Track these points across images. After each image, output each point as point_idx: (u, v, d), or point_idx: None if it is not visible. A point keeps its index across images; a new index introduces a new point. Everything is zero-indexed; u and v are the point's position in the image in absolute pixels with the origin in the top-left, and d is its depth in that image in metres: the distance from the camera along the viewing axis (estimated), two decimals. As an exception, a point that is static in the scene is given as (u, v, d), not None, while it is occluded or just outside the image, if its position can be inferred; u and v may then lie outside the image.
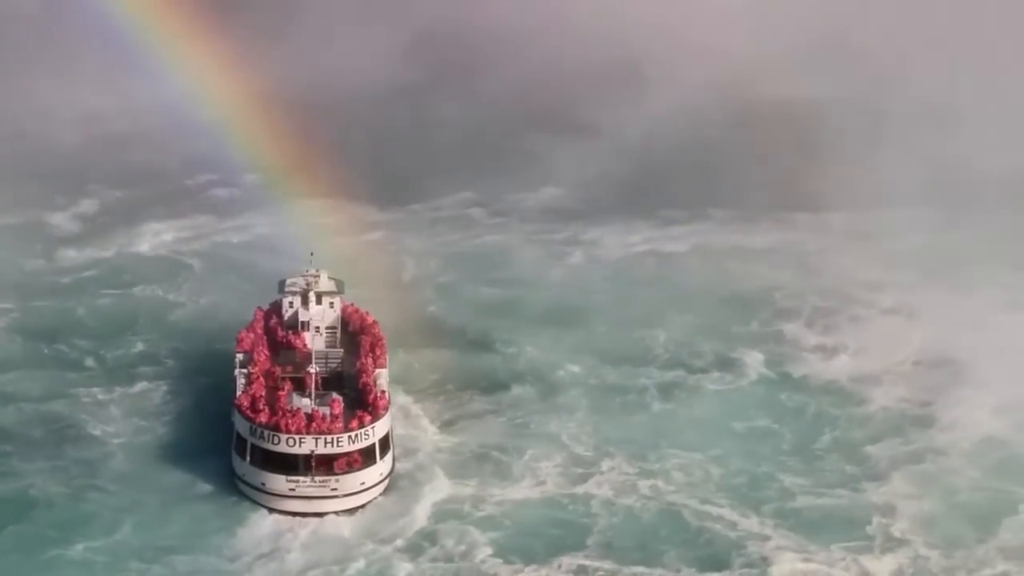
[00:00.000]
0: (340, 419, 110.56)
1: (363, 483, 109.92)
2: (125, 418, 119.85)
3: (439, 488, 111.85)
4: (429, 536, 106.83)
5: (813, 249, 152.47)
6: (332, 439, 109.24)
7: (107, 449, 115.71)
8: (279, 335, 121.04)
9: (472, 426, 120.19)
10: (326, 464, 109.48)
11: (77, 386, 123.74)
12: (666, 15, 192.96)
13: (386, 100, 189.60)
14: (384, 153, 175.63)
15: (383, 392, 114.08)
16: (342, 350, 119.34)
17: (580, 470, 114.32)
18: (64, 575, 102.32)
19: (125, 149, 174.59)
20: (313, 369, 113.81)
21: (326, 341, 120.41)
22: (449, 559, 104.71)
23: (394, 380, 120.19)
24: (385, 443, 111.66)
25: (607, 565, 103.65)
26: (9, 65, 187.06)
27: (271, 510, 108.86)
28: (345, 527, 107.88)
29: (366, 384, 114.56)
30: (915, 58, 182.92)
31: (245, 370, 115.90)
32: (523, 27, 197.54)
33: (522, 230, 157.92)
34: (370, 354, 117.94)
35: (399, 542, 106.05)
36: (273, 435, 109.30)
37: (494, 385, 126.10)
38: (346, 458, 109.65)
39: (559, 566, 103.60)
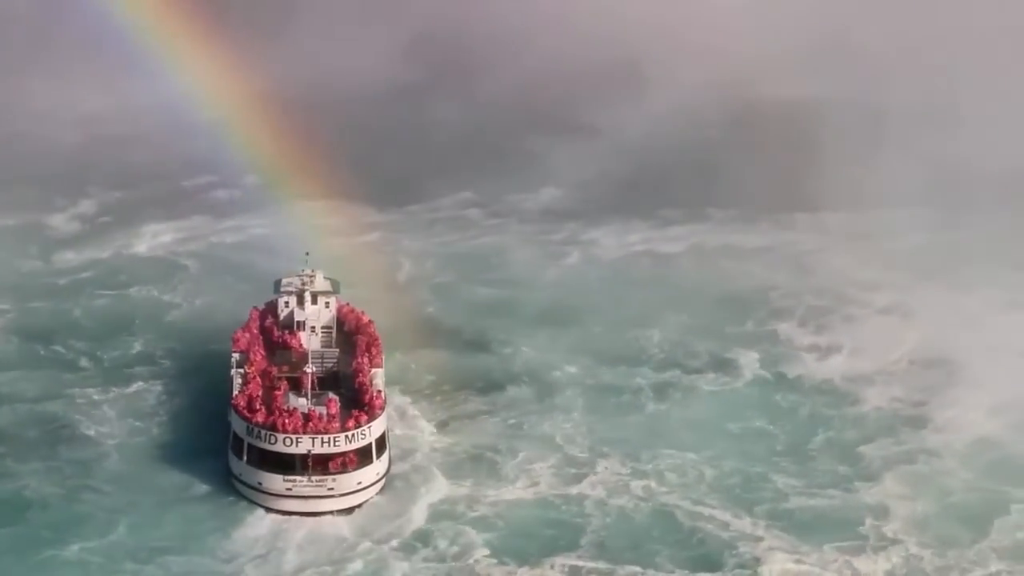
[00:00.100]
0: (337, 419, 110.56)
1: (360, 483, 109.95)
2: (120, 419, 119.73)
3: (435, 488, 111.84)
4: (425, 536, 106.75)
5: (810, 249, 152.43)
6: (329, 439, 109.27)
7: (102, 450, 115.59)
8: (275, 335, 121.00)
9: (468, 426, 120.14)
10: (322, 464, 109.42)
11: (72, 387, 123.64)
12: (666, 15, 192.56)
13: (385, 100, 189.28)
14: (383, 154, 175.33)
15: (379, 392, 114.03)
16: (338, 350, 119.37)
17: (574, 470, 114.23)
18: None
19: (124, 150, 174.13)
20: (310, 369, 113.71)
21: (322, 341, 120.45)
22: (445, 559, 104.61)
23: (390, 380, 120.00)
24: (381, 443, 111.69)
25: (600, 565, 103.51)
26: (7, 65, 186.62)
27: (268, 510, 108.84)
28: (341, 527, 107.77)
29: (362, 384, 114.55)
30: (915, 58, 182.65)
31: (241, 370, 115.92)
32: (523, 27, 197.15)
33: (520, 231, 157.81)
34: (366, 354, 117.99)
35: (395, 542, 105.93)
36: (270, 435, 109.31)
37: (490, 385, 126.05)
38: (341, 458, 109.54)
39: (553, 566, 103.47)
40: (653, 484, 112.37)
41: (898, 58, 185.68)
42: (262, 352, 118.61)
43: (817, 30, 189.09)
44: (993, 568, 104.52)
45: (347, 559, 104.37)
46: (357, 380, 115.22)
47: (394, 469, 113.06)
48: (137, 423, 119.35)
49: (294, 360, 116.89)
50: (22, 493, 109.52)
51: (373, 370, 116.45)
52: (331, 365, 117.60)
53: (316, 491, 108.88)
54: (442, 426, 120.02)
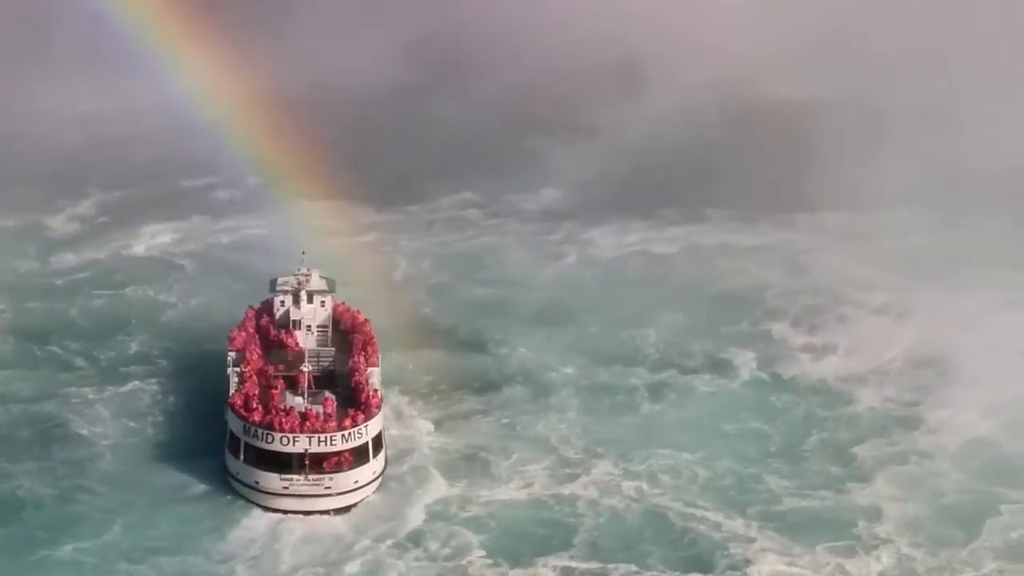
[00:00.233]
0: (333, 418, 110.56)
1: (356, 481, 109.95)
2: (115, 418, 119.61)
3: (431, 488, 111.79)
4: (421, 535, 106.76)
5: (808, 249, 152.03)
6: (326, 438, 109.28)
7: (96, 449, 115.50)
8: (271, 334, 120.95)
9: (464, 426, 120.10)
10: (317, 463, 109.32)
11: (67, 386, 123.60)
12: (665, 15, 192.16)
13: (385, 100, 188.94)
14: (382, 154, 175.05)
15: (375, 391, 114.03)
16: (334, 349, 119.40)
17: (568, 471, 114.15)
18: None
19: (123, 150, 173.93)
20: (306, 368, 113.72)
21: (317, 340, 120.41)
22: (440, 559, 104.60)
23: (386, 380, 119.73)
24: (378, 442, 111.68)
25: (593, 566, 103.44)
26: (7, 65, 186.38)
27: (265, 508, 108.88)
28: (337, 526, 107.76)
29: (358, 383, 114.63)
30: (915, 58, 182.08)
31: (238, 368, 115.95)
32: (522, 28, 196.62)
33: (517, 231, 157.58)
34: (362, 353, 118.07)
35: (391, 541, 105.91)
36: (267, 434, 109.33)
37: (486, 385, 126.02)
38: (335, 457, 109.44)
39: (546, 566, 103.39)
40: (646, 485, 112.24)
41: (898, 58, 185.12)
42: (258, 351, 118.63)
43: (817, 30, 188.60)
44: (985, 569, 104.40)
45: (342, 559, 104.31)
46: (353, 379, 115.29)
47: (390, 468, 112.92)
48: (132, 423, 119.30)
49: (290, 359, 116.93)
50: (16, 493, 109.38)
51: (369, 369, 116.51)
52: (327, 364, 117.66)
53: (313, 490, 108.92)
54: (438, 426, 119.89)
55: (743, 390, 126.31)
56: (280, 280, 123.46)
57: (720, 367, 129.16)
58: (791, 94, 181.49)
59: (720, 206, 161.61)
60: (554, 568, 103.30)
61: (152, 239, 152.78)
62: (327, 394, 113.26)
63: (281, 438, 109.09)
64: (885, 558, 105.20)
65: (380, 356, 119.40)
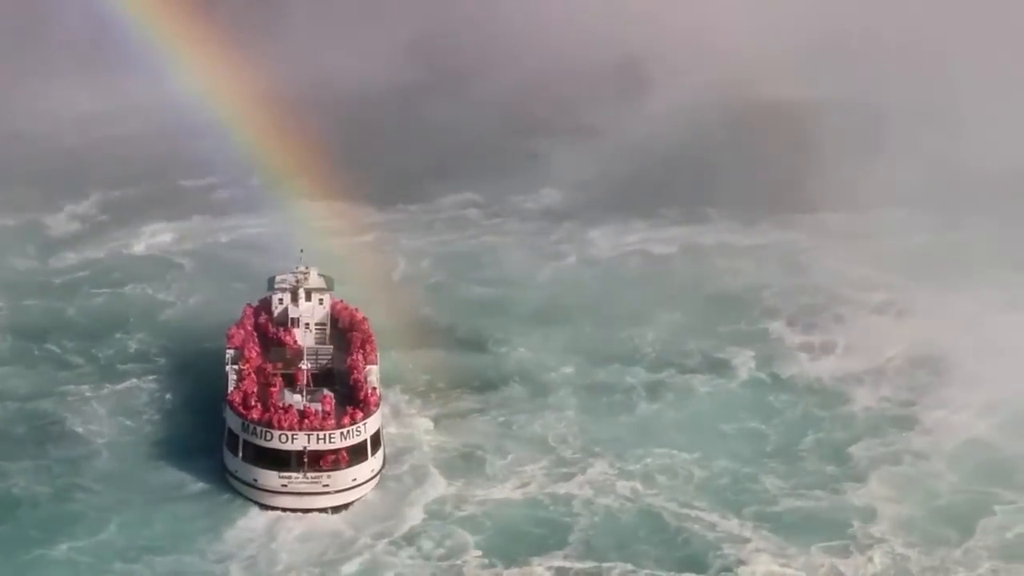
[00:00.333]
0: (332, 415, 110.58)
1: (354, 479, 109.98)
2: (112, 416, 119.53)
3: (429, 486, 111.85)
4: (418, 534, 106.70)
5: (807, 248, 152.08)
6: (325, 435, 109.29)
7: (93, 447, 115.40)
8: (269, 332, 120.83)
9: (462, 425, 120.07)
10: (315, 460, 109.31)
11: (64, 384, 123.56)
12: (666, 15, 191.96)
13: (385, 101, 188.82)
14: (382, 154, 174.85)
15: (374, 389, 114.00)
16: (332, 347, 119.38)
17: (565, 470, 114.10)
18: (47, 575, 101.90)
19: (123, 150, 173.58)
20: (304, 365, 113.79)
21: (316, 337, 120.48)
22: (438, 557, 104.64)
23: (384, 378, 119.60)
24: (376, 439, 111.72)
25: (587, 565, 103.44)
26: (7, 65, 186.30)
27: (263, 506, 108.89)
28: (334, 525, 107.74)
29: (357, 380, 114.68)
30: (915, 58, 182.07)
31: (236, 366, 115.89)
32: (523, 28, 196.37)
33: (517, 230, 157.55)
34: (360, 351, 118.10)
35: (388, 539, 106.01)
36: (266, 431, 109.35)
37: (484, 384, 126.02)
38: (333, 455, 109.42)
39: (541, 566, 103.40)
40: (642, 484, 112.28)
41: (898, 58, 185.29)
42: (257, 349, 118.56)
43: (817, 30, 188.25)
44: (979, 569, 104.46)
45: (339, 559, 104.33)
46: (352, 377, 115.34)
47: (388, 466, 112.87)
48: (129, 421, 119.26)
49: (289, 357, 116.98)
50: (11, 491, 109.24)
51: (368, 367, 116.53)
52: (325, 362, 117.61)
53: (311, 487, 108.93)
54: (436, 424, 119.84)
55: (740, 389, 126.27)
56: (278, 278, 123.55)
57: (718, 366, 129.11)
58: (791, 94, 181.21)
59: (720, 206, 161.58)
60: (549, 568, 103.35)
61: (152, 238, 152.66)
62: (325, 392, 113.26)
63: (280, 436, 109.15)
64: (879, 558, 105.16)
65: (379, 354, 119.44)
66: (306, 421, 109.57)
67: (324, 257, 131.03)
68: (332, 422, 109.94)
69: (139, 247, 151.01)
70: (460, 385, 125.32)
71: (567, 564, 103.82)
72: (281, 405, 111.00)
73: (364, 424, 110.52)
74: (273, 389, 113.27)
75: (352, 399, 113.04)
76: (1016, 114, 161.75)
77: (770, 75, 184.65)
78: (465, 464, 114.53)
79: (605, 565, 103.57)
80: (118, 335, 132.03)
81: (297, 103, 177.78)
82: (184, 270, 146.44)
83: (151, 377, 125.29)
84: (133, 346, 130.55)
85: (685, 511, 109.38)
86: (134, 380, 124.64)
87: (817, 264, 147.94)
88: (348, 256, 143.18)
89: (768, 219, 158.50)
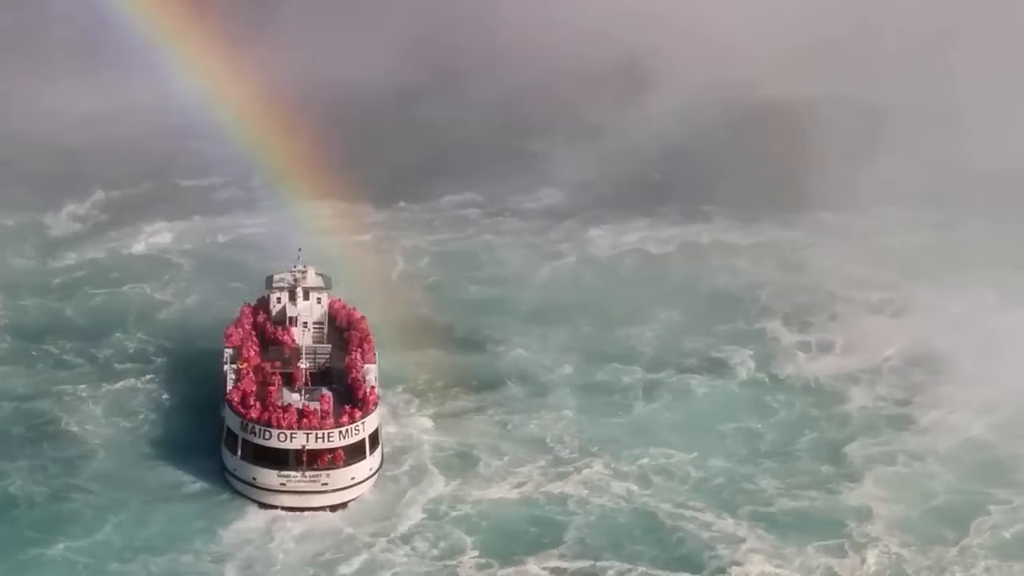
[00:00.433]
0: (330, 414, 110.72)
1: (353, 478, 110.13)
2: (109, 416, 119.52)
3: (426, 485, 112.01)
4: (416, 532, 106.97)
5: (805, 247, 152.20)
6: (323, 434, 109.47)
7: (90, 447, 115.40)
8: (267, 331, 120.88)
9: (460, 424, 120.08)
10: (313, 459, 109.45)
11: (62, 384, 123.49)
12: (666, 15, 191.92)
13: (385, 100, 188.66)
14: (382, 153, 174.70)
15: (372, 388, 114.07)
16: (330, 346, 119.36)
17: (562, 470, 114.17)
18: (44, 575, 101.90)
19: (123, 150, 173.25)
20: (303, 364, 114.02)
21: (314, 336, 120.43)
22: (435, 556, 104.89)
23: (383, 377, 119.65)
24: (374, 438, 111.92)
25: (582, 565, 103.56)
26: (7, 65, 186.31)
27: (261, 505, 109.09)
28: (332, 523, 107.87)
29: (355, 379, 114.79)
30: (915, 58, 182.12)
31: (235, 365, 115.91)
32: (523, 28, 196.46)
33: (516, 230, 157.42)
34: (358, 349, 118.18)
35: (386, 538, 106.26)
36: (264, 430, 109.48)
37: (483, 383, 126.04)
38: (330, 454, 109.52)
39: (536, 566, 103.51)
40: (638, 484, 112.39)
41: (897, 58, 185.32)
42: (255, 348, 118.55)
43: (817, 30, 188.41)
44: (974, 568, 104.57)
45: (337, 558, 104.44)
46: (350, 376, 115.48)
47: (386, 465, 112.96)
48: (126, 421, 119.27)
49: (287, 356, 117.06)
50: (7, 491, 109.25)
51: (366, 366, 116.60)
52: (323, 361, 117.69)
53: (310, 486, 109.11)
54: (434, 423, 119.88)
55: (737, 389, 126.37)
56: (276, 277, 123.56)
57: (715, 366, 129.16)
58: (791, 94, 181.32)
59: (719, 204, 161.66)
60: (544, 567, 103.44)
61: (151, 238, 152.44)
62: (324, 391, 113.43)
63: (279, 434, 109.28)
64: (875, 558, 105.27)
65: (377, 353, 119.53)
66: (305, 420, 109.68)
67: (322, 256, 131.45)
68: (331, 421, 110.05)
69: (138, 247, 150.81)
70: (458, 384, 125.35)
71: (563, 564, 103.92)
72: (280, 404, 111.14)
73: (362, 423, 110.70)
74: (272, 388, 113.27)
75: (350, 398, 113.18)
76: (1015, 114, 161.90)
77: (770, 75, 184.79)
78: (463, 463, 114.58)
79: (600, 564, 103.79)
80: (116, 335, 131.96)
81: (297, 102, 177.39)
82: (182, 270, 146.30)
83: (149, 377, 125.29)
84: (131, 346, 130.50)
85: (681, 511, 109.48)
86: (132, 380, 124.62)
87: (815, 263, 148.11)
88: (347, 255, 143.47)
89: (767, 218, 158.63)
